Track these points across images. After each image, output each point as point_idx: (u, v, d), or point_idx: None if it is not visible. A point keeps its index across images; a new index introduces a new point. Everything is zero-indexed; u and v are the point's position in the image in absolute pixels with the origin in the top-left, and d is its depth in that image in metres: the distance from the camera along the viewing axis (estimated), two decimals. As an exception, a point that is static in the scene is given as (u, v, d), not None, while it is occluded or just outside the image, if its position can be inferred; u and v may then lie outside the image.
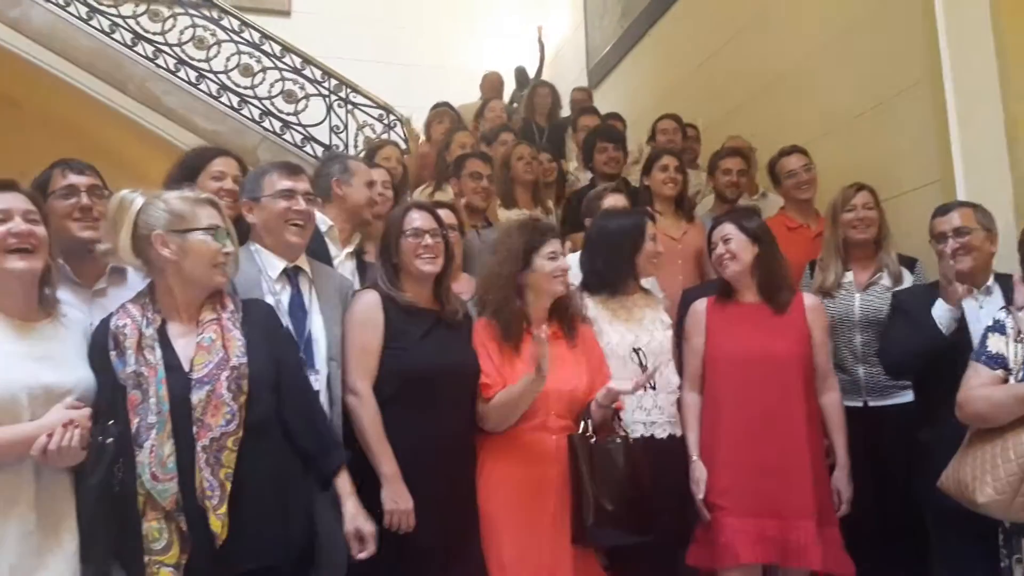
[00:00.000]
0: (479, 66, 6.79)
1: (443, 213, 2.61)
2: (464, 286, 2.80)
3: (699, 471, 2.57)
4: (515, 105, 6.47)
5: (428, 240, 2.39)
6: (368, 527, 2.04)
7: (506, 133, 4.72)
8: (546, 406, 2.39)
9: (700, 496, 2.55)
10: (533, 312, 2.50)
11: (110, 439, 1.82)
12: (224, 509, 1.84)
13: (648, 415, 2.63)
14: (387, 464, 2.21)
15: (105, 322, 1.98)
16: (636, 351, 2.65)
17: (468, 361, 2.40)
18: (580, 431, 2.37)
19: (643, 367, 2.61)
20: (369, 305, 2.34)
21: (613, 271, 2.73)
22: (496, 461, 2.39)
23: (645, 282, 2.85)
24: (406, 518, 2.20)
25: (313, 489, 2.07)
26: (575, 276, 2.73)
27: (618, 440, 2.37)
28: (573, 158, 5.11)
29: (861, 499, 2.63)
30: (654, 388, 2.64)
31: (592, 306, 2.69)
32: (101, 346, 1.93)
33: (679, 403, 2.70)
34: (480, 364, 2.40)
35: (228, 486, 1.85)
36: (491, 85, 6.49)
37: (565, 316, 2.54)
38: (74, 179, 2.25)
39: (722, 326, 2.68)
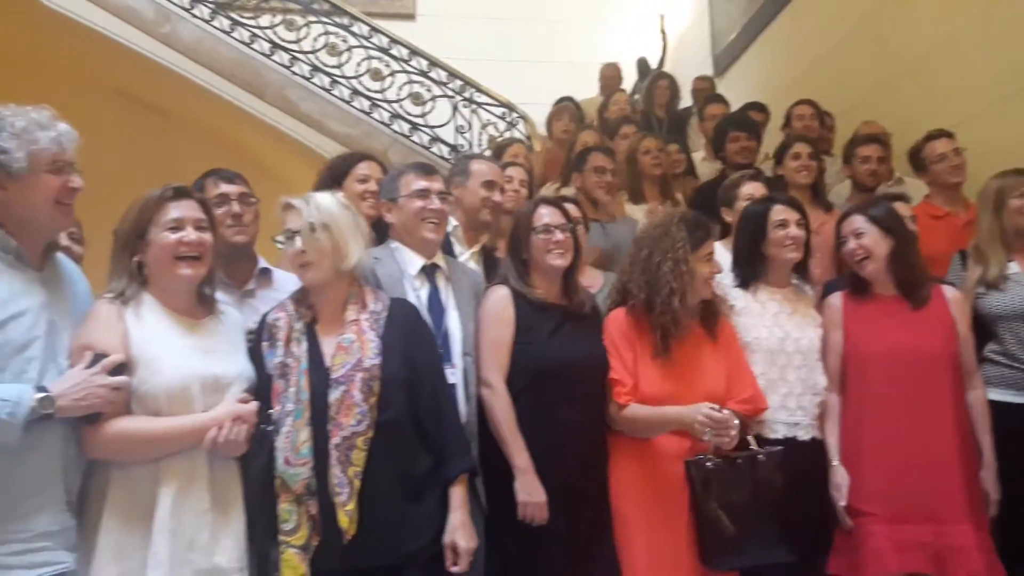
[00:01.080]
0: (600, 59, 6.73)
1: (569, 207, 2.61)
2: (589, 280, 2.80)
3: (840, 476, 2.45)
4: (636, 97, 6.39)
5: (558, 235, 2.40)
6: (464, 543, 2.01)
7: (628, 126, 4.66)
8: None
9: (842, 503, 2.43)
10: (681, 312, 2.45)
11: (271, 427, 1.95)
12: (352, 506, 1.91)
13: (791, 415, 2.51)
14: (520, 456, 2.23)
15: (265, 316, 2.12)
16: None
17: (597, 356, 2.38)
18: (704, 453, 2.28)
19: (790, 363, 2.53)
20: (500, 300, 2.38)
21: (745, 261, 2.66)
22: (630, 459, 2.36)
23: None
24: (539, 510, 2.21)
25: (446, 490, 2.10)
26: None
27: (739, 460, 2.26)
28: (699, 148, 4.99)
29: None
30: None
31: (739, 297, 2.61)
32: (259, 338, 2.07)
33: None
34: (610, 361, 2.38)
35: (357, 484, 1.93)
36: (609, 78, 6.42)
37: (708, 313, 2.48)
38: (225, 188, 2.42)
39: (861, 322, 2.55)
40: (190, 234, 1.95)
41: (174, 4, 5.28)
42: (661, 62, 7.01)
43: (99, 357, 1.80)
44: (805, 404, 2.53)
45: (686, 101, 5.94)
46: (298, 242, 2.05)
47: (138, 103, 5.86)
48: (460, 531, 2.02)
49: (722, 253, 2.66)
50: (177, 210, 1.96)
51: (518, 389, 2.30)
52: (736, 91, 5.81)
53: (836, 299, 2.64)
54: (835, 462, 2.48)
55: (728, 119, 4.42)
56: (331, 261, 2.06)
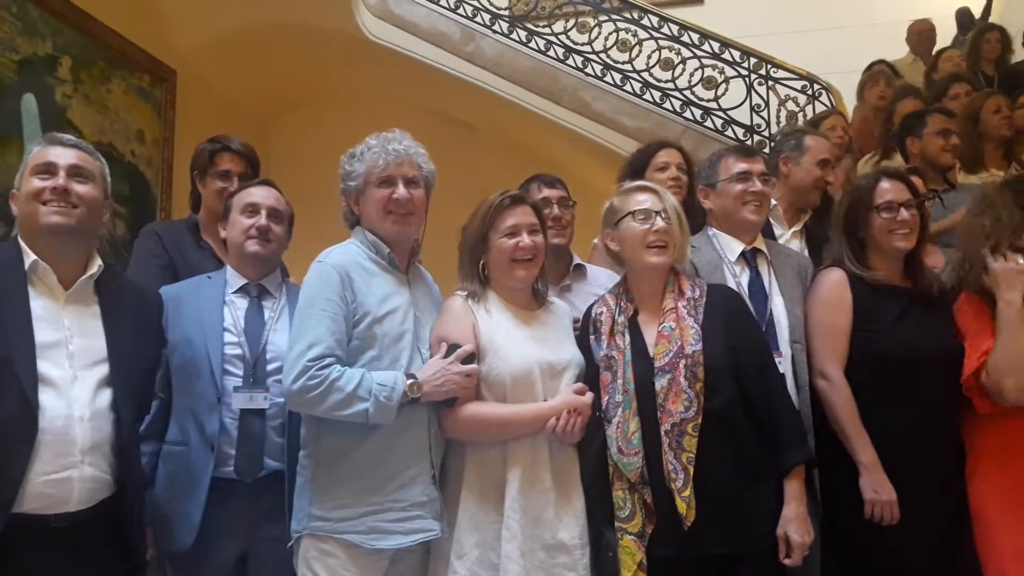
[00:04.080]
0: (906, 17, 6.09)
1: (915, 180, 2.38)
2: (935, 259, 2.53)
3: None
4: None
5: (904, 214, 2.21)
6: (798, 537, 1.93)
7: (959, 84, 4.14)
8: None
9: None
10: None
11: (602, 415, 2.02)
12: (689, 492, 1.90)
13: None
14: (866, 452, 2.09)
15: (589, 310, 2.19)
16: None
17: (949, 343, 2.15)
18: None
19: None
20: (835, 284, 2.23)
21: None
22: (992, 454, 2.11)
23: None
24: (890, 509, 2.06)
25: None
26: None
27: None
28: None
29: None
30: None
31: None
32: (584, 330, 2.16)
33: None
34: (965, 348, 2.13)
35: (691, 469, 1.91)
36: (921, 36, 5.79)
37: None
38: (547, 192, 2.57)
39: None
40: (525, 239, 2.10)
41: (477, 23, 5.65)
42: (987, 10, 6.16)
43: (453, 348, 2.01)
44: None
45: (1019, 55, 5.17)
46: (660, 221, 2.09)
47: (448, 120, 6.36)
48: (794, 524, 1.94)
49: None
50: (513, 217, 2.11)
51: (860, 381, 2.15)
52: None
53: None
54: None
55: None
56: (676, 250, 2.10)
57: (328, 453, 1.98)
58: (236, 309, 2.25)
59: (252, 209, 2.30)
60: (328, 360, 1.91)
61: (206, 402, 2.13)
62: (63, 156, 1.93)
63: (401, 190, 2.06)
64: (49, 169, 1.90)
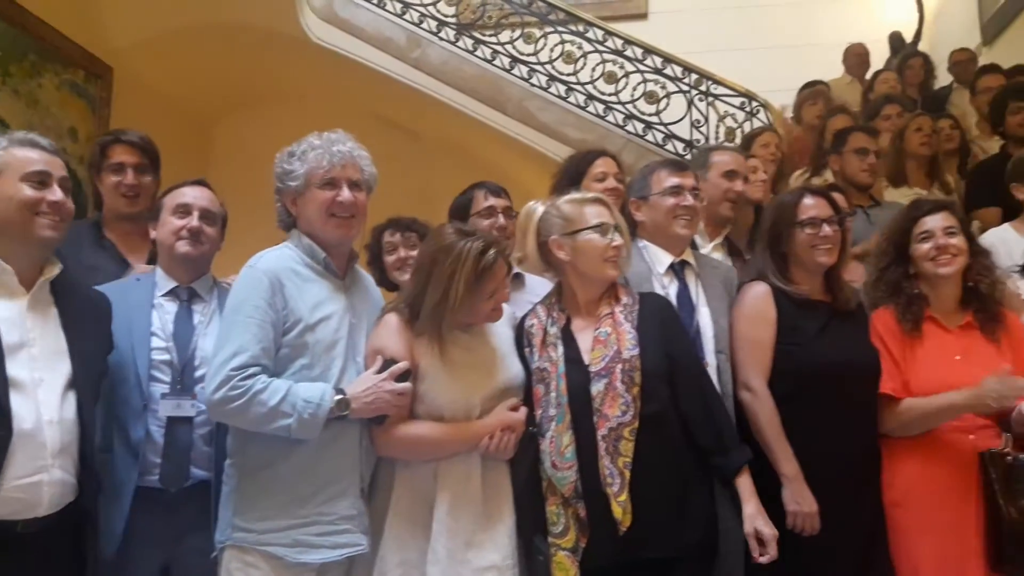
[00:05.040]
0: (845, 39, 6.28)
1: (837, 197, 2.45)
2: (854, 274, 2.61)
3: None
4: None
5: (826, 230, 2.27)
6: (769, 530, 1.98)
7: (890, 105, 4.30)
8: None
9: None
10: (936, 301, 2.25)
11: (535, 430, 2.03)
12: (625, 496, 1.92)
13: None
14: (788, 464, 2.14)
15: (521, 322, 2.20)
16: None
17: (868, 357, 2.23)
18: (1001, 445, 2.08)
19: None
20: (760, 298, 2.28)
21: None
22: (904, 463, 2.20)
23: None
24: (811, 521, 2.10)
25: (713, 484, 2.07)
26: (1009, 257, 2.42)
27: None
28: (972, 126, 4.50)
29: None
30: None
31: None
32: (518, 344, 2.16)
33: None
34: (881, 360, 2.22)
35: (627, 474, 1.93)
36: (857, 58, 5.99)
37: (986, 304, 2.25)
38: (494, 201, 2.56)
39: None
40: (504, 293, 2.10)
41: (423, 29, 5.65)
42: (917, 35, 6.40)
43: (389, 363, 1.97)
44: None
45: (943, 79, 5.40)
46: (618, 237, 2.11)
47: (393, 125, 6.33)
48: (760, 518, 1.99)
49: (1016, 239, 2.38)
50: (495, 282, 2.03)
51: (783, 393, 2.20)
52: (1009, 61, 5.16)
53: None
54: None
55: (1007, 89, 3.95)
56: (625, 262, 2.14)
57: (254, 463, 1.95)
58: (165, 313, 2.19)
59: (184, 210, 2.24)
60: (252, 369, 1.87)
61: (131, 409, 2.07)
62: (57, 167, 1.92)
63: (345, 193, 2.03)
64: (44, 180, 1.88)
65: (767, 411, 2.17)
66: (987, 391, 2.05)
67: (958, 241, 2.24)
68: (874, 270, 2.39)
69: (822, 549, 2.11)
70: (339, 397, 1.91)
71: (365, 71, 5.77)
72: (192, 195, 2.28)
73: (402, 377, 1.97)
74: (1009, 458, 2.05)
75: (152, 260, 2.36)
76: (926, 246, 2.25)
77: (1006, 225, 2.65)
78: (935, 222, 2.26)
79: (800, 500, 2.10)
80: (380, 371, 1.96)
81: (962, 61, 5.39)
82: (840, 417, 2.18)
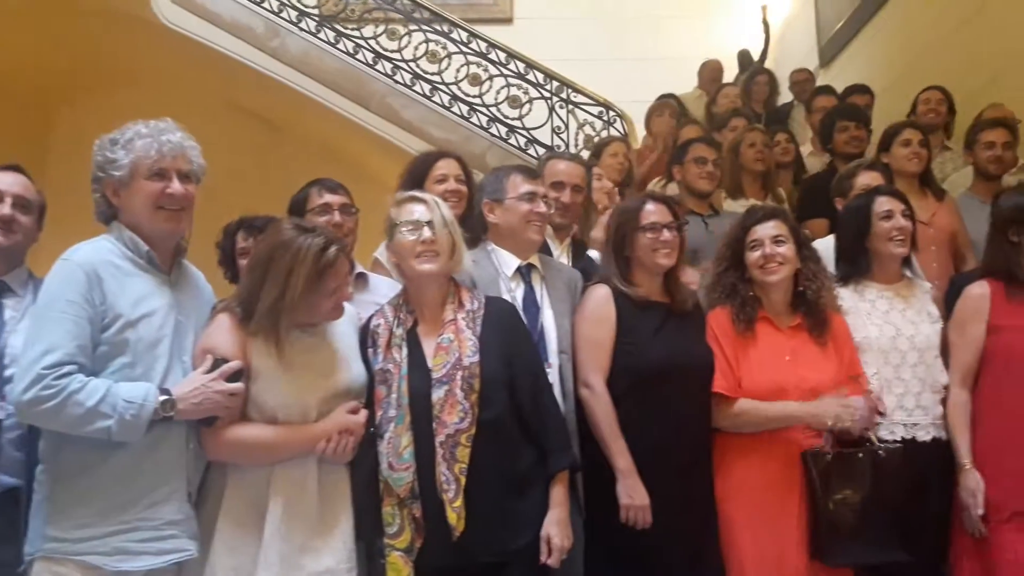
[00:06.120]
0: (701, 54, 6.61)
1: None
2: (688, 277, 2.73)
3: (975, 481, 2.30)
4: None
5: (666, 234, 2.36)
6: (558, 541, 2.00)
7: (737, 119, 4.54)
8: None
9: (979, 511, 2.27)
10: (768, 304, 2.40)
11: (374, 431, 2.00)
12: (460, 502, 1.94)
13: (909, 415, 2.41)
14: (622, 459, 2.20)
15: (368, 322, 2.17)
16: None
17: (702, 356, 2.34)
18: (822, 444, 2.23)
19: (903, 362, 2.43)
20: (600, 299, 2.35)
21: (849, 257, 2.57)
22: (736, 460, 2.31)
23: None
24: (642, 514, 2.18)
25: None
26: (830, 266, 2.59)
27: (860, 455, 2.20)
28: (804, 143, 4.83)
29: None
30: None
31: (846, 296, 2.52)
32: (363, 344, 2.12)
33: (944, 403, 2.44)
34: (715, 359, 2.33)
35: (463, 480, 1.95)
36: (709, 73, 6.30)
37: (812, 308, 2.40)
38: (329, 198, 2.50)
39: (1013, 317, 2.37)
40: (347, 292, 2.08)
41: (283, 19, 5.50)
42: (763, 54, 6.81)
43: (219, 362, 1.89)
44: (925, 403, 2.42)
45: (786, 96, 5.78)
46: (428, 232, 2.08)
47: (251, 116, 6.13)
48: (556, 527, 2.01)
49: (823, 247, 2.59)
50: (336, 280, 1.99)
51: (620, 391, 2.27)
52: (843, 83, 5.57)
53: (981, 289, 2.45)
54: (967, 465, 2.33)
55: (835, 109, 4.26)
56: (448, 259, 2.11)
57: (69, 468, 1.82)
58: (-27, 308, 2.02)
59: None
60: (67, 368, 1.75)
61: (-66, 411, 1.90)
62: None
63: (176, 184, 1.93)
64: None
65: (603, 408, 2.24)
66: (826, 412, 2.19)
67: (785, 249, 2.37)
68: (713, 274, 2.50)
69: (656, 540, 2.19)
70: (164, 397, 1.82)
71: (221, 59, 5.57)
72: (5, 181, 2.13)
73: (233, 377, 1.89)
74: (828, 456, 2.19)
75: None
76: (756, 254, 2.38)
77: (830, 236, 2.84)
78: (765, 231, 2.39)
79: (633, 494, 2.18)
80: (210, 371, 1.88)
81: (800, 81, 5.79)
82: (674, 413, 2.26)
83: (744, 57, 6.78)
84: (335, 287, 1.98)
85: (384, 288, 2.45)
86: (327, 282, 1.96)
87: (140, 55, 5.89)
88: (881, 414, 2.38)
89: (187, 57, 5.70)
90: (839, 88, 5.00)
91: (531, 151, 5.52)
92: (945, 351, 2.48)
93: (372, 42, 5.55)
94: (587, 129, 5.60)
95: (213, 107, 5.96)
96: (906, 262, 2.58)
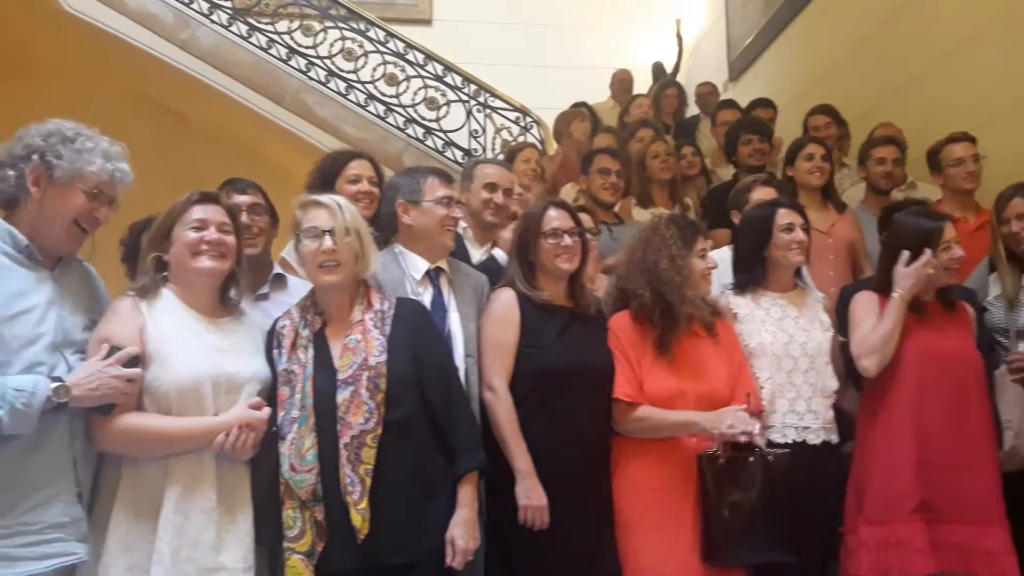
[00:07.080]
0: (617, 64, 6.74)
1: (584, 217, 2.60)
2: (598, 285, 2.79)
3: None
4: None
5: (567, 240, 2.40)
6: (461, 543, 2.00)
7: (644, 129, 4.65)
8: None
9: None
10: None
11: (277, 430, 1.97)
12: (364, 504, 1.92)
13: (800, 419, 2.51)
14: (522, 460, 2.23)
15: (275, 323, 2.14)
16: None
17: (603, 359, 2.39)
18: (715, 448, 2.28)
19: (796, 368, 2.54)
20: (505, 303, 2.38)
21: (747, 266, 2.66)
22: (631, 462, 2.36)
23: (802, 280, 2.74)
24: (540, 514, 2.21)
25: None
26: (723, 274, 2.69)
27: (751, 459, 2.26)
28: (709, 154, 4.98)
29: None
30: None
31: (742, 304, 2.61)
32: (269, 344, 2.10)
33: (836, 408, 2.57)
34: (615, 364, 2.38)
35: (368, 482, 1.94)
36: (622, 84, 6.42)
37: (709, 313, 2.48)
38: (237, 199, 2.45)
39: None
40: (212, 234, 2.00)
41: (193, 10, 5.35)
42: (676, 67, 7.00)
43: (115, 350, 1.85)
44: (815, 408, 2.53)
45: (695, 108, 5.95)
46: (328, 241, 2.06)
47: (160, 108, 5.94)
48: (460, 528, 2.02)
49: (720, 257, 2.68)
50: (202, 212, 2.01)
51: (523, 393, 2.30)
52: (751, 96, 5.78)
53: (870, 297, 2.58)
54: None
55: (739, 122, 4.41)
56: (354, 266, 2.09)
57: (-57, 471, 1.73)
58: None
59: None
60: None
61: None
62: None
63: (103, 211, 1.94)
64: None
65: (505, 410, 2.26)
66: (725, 422, 2.24)
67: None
68: (617, 280, 2.56)
69: (552, 543, 2.22)
70: (56, 384, 1.76)
71: (128, 48, 5.37)
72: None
73: (131, 363, 1.85)
74: (721, 460, 2.26)
75: None
76: (701, 265, 2.46)
77: (727, 247, 2.94)
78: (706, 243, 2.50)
79: (531, 495, 2.20)
80: (106, 358, 1.83)
81: (704, 94, 5.97)
82: (574, 416, 2.31)
83: (658, 69, 6.94)
84: (200, 220, 2.00)
85: (302, 290, 2.41)
86: (191, 212, 2.01)
87: (42, 43, 5.64)
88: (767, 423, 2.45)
89: (93, 47, 5.49)
90: (746, 103, 5.18)
91: (448, 153, 5.52)
92: (836, 358, 2.60)
93: (287, 37, 5.45)
94: (504, 134, 5.64)
95: (124, 98, 5.77)
96: (797, 272, 2.70)
